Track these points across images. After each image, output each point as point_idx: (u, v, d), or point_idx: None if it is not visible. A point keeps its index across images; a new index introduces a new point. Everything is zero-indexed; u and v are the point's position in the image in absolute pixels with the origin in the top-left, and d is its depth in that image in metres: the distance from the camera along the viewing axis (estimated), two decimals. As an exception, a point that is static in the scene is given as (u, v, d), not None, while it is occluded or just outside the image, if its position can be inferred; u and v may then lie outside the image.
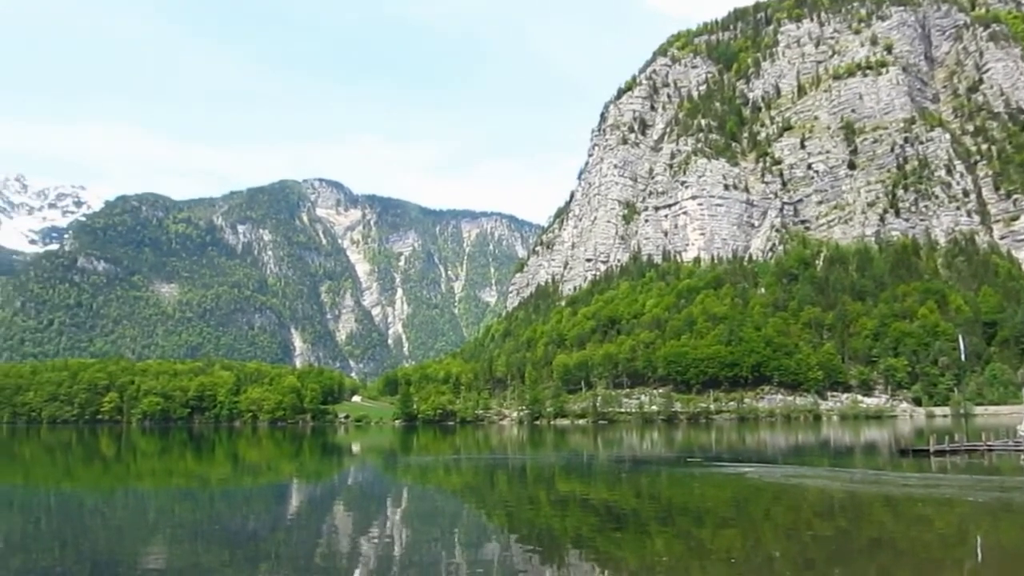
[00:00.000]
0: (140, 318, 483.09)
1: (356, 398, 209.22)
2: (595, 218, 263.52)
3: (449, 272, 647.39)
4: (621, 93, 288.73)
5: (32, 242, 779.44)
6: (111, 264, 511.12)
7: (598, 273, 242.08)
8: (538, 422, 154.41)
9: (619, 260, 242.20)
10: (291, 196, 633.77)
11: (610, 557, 19.03)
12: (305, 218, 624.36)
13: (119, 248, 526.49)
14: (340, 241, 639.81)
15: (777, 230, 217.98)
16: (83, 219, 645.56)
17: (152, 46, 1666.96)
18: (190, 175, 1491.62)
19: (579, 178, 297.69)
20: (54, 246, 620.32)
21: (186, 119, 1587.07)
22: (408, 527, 24.55)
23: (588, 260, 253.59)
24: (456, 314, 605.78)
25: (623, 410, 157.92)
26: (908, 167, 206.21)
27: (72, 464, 58.10)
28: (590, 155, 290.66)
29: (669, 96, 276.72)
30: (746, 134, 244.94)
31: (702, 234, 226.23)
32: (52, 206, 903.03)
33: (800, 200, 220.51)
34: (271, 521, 26.30)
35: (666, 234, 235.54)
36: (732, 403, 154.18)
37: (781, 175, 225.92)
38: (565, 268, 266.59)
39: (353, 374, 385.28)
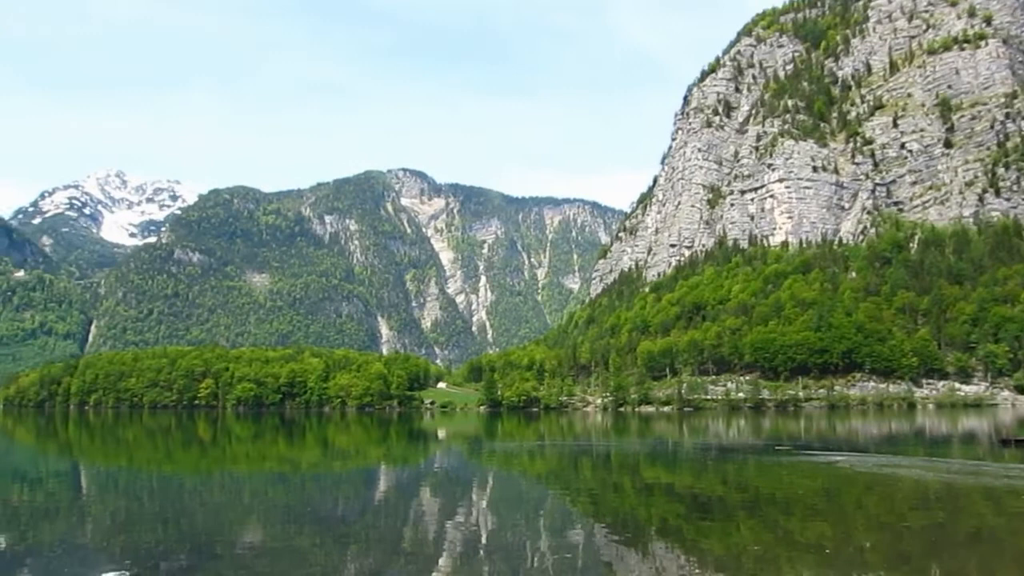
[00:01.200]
0: (233, 307, 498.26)
1: (441, 384, 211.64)
2: (679, 203, 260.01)
3: (532, 259, 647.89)
4: (705, 75, 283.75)
5: (132, 235, 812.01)
6: (205, 255, 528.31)
7: (682, 259, 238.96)
8: (622, 409, 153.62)
9: (704, 245, 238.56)
10: (376, 186, 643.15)
11: (696, 545, 18.86)
12: (390, 208, 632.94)
13: (212, 240, 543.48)
14: (424, 230, 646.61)
15: (868, 212, 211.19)
16: (178, 212, 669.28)
17: (239, 42, 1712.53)
18: (278, 168, 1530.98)
19: (662, 163, 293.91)
20: (152, 239, 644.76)
21: (274, 113, 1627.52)
22: (493, 512, 24.78)
23: (672, 246, 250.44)
24: (539, 301, 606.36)
25: (709, 397, 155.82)
26: (1009, 144, 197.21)
27: (172, 447, 60.38)
28: (673, 139, 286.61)
29: (754, 77, 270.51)
30: (835, 114, 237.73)
31: (790, 218, 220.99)
32: (150, 200, 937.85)
33: (893, 181, 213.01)
34: (360, 505, 26.89)
35: (752, 218, 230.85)
36: (822, 390, 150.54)
37: (873, 155, 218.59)
38: (649, 254, 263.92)
39: (438, 361, 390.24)
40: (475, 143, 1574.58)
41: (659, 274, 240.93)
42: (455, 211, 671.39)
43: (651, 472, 38.14)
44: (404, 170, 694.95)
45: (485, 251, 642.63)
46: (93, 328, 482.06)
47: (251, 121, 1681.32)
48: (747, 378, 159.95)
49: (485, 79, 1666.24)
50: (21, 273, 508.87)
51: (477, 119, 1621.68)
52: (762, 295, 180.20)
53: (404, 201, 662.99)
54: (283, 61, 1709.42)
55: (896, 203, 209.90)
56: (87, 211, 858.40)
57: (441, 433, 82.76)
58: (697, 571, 16.02)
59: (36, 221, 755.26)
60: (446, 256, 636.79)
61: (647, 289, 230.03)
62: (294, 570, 15.72)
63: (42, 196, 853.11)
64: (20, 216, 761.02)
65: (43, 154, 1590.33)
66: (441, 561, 17.21)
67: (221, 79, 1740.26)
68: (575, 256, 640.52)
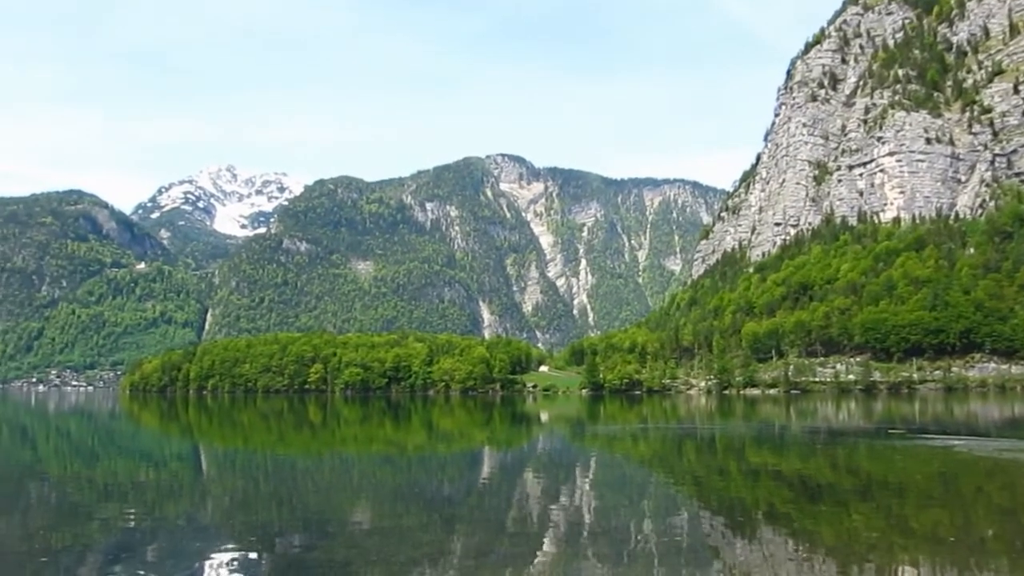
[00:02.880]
0: (339, 294, 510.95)
1: (543, 368, 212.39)
2: (783, 180, 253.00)
3: (632, 241, 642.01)
4: (809, 47, 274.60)
5: (243, 227, 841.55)
6: (312, 244, 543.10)
7: (788, 237, 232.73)
8: (727, 392, 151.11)
9: (810, 223, 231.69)
10: (475, 172, 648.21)
11: (805, 531, 18.46)
12: (489, 193, 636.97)
13: (319, 229, 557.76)
14: (524, 214, 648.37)
15: (987, 185, 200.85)
16: (286, 204, 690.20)
17: (340, 36, 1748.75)
18: (380, 157, 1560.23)
19: (765, 139, 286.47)
20: (262, 230, 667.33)
21: (374, 103, 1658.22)
22: (596, 495, 24.82)
23: (777, 224, 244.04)
24: (640, 283, 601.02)
25: (817, 379, 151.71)
26: None
27: (284, 430, 62.52)
28: (776, 115, 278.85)
29: (862, 47, 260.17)
30: (950, 82, 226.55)
31: (901, 192, 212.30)
32: (259, 193, 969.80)
33: (1014, 151, 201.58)
34: (464, 486, 27.34)
35: (861, 194, 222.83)
36: (937, 372, 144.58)
37: (991, 124, 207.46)
38: (752, 233, 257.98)
39: (539, 344, 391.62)
40: (573, 126, 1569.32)
41: (763, 254, 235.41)
42: (554, 195, 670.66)
43: (757, 456, 37.45)
44: (503, 155, 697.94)
45: (585, 234, 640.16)
46: (209, 316, 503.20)
47: (353, 112, 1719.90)
48: (857, 359, 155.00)
49: (581, 60, 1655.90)
50: (142, 265, 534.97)
51: (574, 101, 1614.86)
52: (872, 274, 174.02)
53: (503, 186, 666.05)
54: (381, 52, 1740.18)
55: (1017, 174, 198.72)
56: (201, 205, 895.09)
57: (543, 416, 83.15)
58: (806, 557, 15.71)
59: (155, 216, 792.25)
60: (546, 240, 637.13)
61: (751, 269, 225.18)
62: (402, 549, 16.12)
63: (159, 191, 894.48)
64: (140, 211, 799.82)
65: (160, 151, 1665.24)
66: (545, 542, 17.36)
67: (323, 73, 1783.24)
68: (676, 237, 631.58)
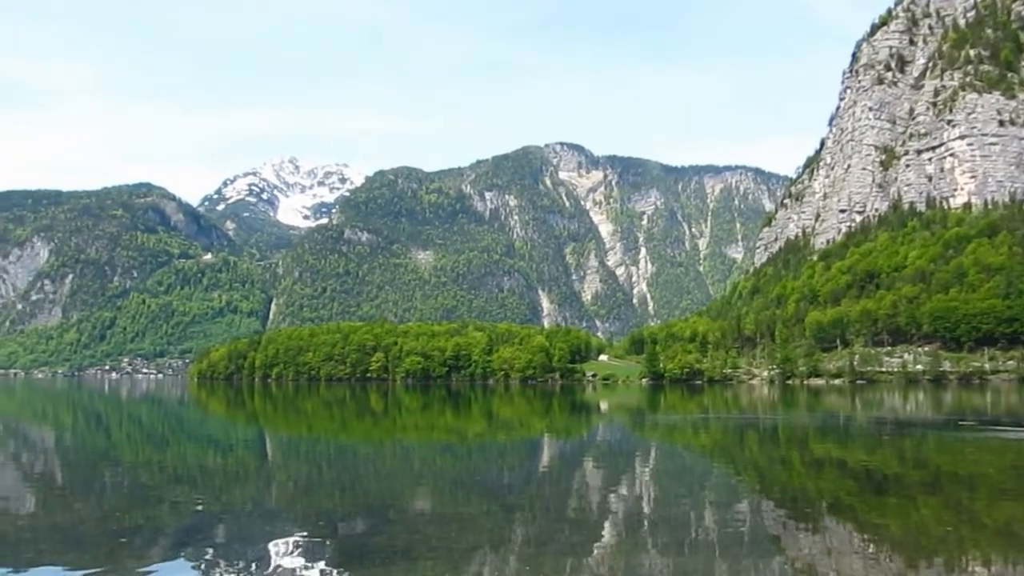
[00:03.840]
0: (400, 283, 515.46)
1: (603, 357, 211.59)
2: (849, 166, 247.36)
3: (693, 229, 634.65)
4: (875, 29, 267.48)
5: (305, 217, 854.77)
6: (373, 234, 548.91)
7: (853, 224, 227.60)
8: (790, 382, 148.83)
9: (876, 209, 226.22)
10: (534, 161, 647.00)
11: (870, 523, 18.11)
12: (548, 182, 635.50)
13: (379, 219, 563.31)
14: (583, 203, 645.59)
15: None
16: (347, 194, 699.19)
17: (395, 26, 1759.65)
18: (439, 147, 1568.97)
19: (830, 124, 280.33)
20: (323, 220, 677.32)
21: (432, 94, 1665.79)
22: (657, 484, 24.69)
23: (842, 211, 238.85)
24: (701, 272, 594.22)
25: (883, 369, 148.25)
26: None
27: (347, 418, 63.49)
28: (841, 99, 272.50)
29: (931, 27, 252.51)
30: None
31: (973, 177, 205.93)
32: (320, 184, 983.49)
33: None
34: (524, 475, 27.44)
35: (930, 179, 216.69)
36: (1011, 362, 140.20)
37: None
38: (817, 220, 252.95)
39: (599, 333, 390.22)
40: (632, 113, 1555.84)
41: (828, 241, 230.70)
42: (613, 183, 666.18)
43: (821, 446, 36.84)
44: (561, 144, 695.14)
45: (644, 222, 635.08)
46: (273, 306, 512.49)
47: (412, 102, 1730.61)
48: (926, 349, 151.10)
49: (640, 47, 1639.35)
50: (209, 256, 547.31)
51: (633, 89, 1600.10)
52: (942, 261, 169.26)
53: (562, 175, 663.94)
54: (440, 41, 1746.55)
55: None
56: (264, 196, 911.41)
57: (603, 405, 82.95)
58: (872, 550, 15.42)
59: (220, 207, 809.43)
60: (605, 228, 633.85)
61: (815, 257, 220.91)
62: (463, 536, 16.27)
63: (225, 184, 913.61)
64: (206, 203, 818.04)
65: (225, 144, 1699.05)
66: (605, 531, 17.35)
67: (383, 63, 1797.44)
68: (738, 225, 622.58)
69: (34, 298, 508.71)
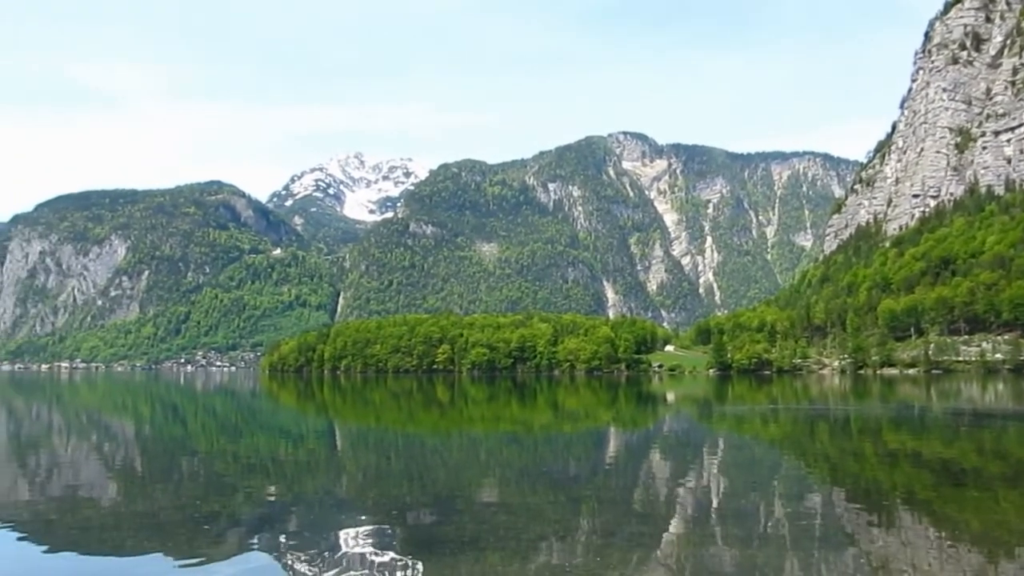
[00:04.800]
0: (465, 276, 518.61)
1: (668, 348, 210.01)
2: (922, 149, 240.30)
3: (760, 217, 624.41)
4: (949, 7, 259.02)
5: (371, 212, 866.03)
6: (438, 227, 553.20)
7: (927, 209, 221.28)
8: (861, 371, 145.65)
9: (952, 194, 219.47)
10: (597, 151, 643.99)
11: (947, 517, 17.62)
12: (612, 172, 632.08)
13: (444, 212, 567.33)
14: (647, 192, 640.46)
15: None
16: (412, 188, 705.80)
17: (455, 22, 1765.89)
18: (502, 139, 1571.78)
19: (901, 107, 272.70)
20: (389, 214, 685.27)
21: (493, 86, 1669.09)
22: (725, 476, 24.42)
23: (915, 196, 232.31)
24: (769, 260, 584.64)
25: (960, 359, 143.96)
26: None
27: (414, 409, 64.18)
28: (913, 80, 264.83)
29: (1008, 3, 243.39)
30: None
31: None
32: (385, 178, 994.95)
33: None
34: (590, 466, 27.40)
35: (1009, 161, 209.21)
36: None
37: None
38: (888, 206, 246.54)
39: (664, 324, 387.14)
40: (696, 101, 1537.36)
41: (901, 227, 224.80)
42: (678, 171, 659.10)
43: (895, 438, 35.96)
44: (624, 133, 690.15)
45: (710, 211, 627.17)
46: (341, 299, 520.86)
47: (474, 95, 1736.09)
48: (1006, 337, 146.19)
49: (702, 33, 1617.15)
50: (278, 251, 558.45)
51: (697, 75, 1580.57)
52: (1023, 246, 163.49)
53: (625, 164, 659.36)
54: (501, 33, 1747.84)
55: None
56: (331, 191, 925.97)
57: (670, 396, 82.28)
58: (950, 546, 15.00)
59: (288, 203, 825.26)
60: (670, 218, 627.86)
61: (887, 244, 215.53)
62: (530, 526, 16.33)
63: (292, 180, 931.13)
64: (275, 199, 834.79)
65: (292, 141, 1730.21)
66: (672, 523, 17.24)
67: (445, 57, 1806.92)
68: (806, 212, 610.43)
69: (113, 294, 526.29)
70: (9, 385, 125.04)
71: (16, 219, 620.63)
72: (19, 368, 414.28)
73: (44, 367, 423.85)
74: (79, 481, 23.52)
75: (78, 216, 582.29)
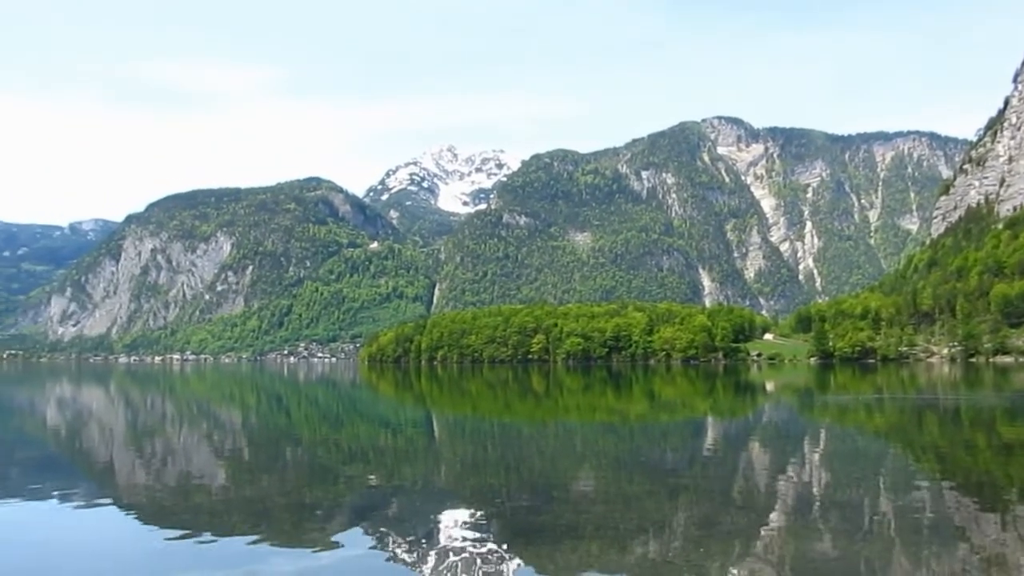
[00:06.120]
0: (559, 266, 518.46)
1: (767, 336, 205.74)
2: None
3: (862, 200, 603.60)
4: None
5: (464, 204, 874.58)
6: (531, 218, 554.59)
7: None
8: (973, 360, 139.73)
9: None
10: (691, 137, 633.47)
11: (1068, 511, 16.79)
12: (706, 158, 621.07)
13: (536, 203, 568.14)
14: (743, 178, 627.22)
15: None
16: (504, 179, 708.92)
17: (543, 11, 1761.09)
18: (593, 128, 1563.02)
19: (1015, 81, 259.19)
20: (482, 206, 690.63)
21: (583, 75, 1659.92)
22: (827, 467, 23.82)
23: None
24: (872, 245, 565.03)
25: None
26: None
27: (509, 399, 64.63)
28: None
29: None
30: None
31: None
32: (478, 170, 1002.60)
33: None
34: (688, 455, 27.11)
35: None
36: None
37: None
38: (1001, 186, 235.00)
39: (763, 312, 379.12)
40: (791, 82, 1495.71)
41: (1015, 208, 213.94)
42: (775, 156, 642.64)
43: (1010, 429, 34.38)
44: (719, 118, 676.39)
45: (809, 195, 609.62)
46: (436, 291, 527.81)
47: (564, 85, 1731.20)
48: None
49: (793, 13, 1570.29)
50: (375, 245, 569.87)
51: (793, 55, 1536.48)
52: None
53: (720, 150, 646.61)
54: (590, 20, 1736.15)
55: None
56: (425, 185, 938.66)
57: (769, 385, 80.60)
58: (1070, 540, 14.29)
59: (384, 198, 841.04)
60: (767, 203, 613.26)
61: (1000, 225, 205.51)
62: (628, 516, 16.29)
63: (387, 174, 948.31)
64: (371, 194, 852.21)
65: (386, 136, 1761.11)
66: (773, 515, 16.94)
67: (534, 47, 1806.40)
68: (912, 194, 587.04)
69: (219, 289, 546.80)
70: (127, 377, 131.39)
71: (129, 219, 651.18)
72: (135, 360, 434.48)
73: (157, 359, 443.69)
74: (191, 468, 24.62)
75: (186, 215, 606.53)
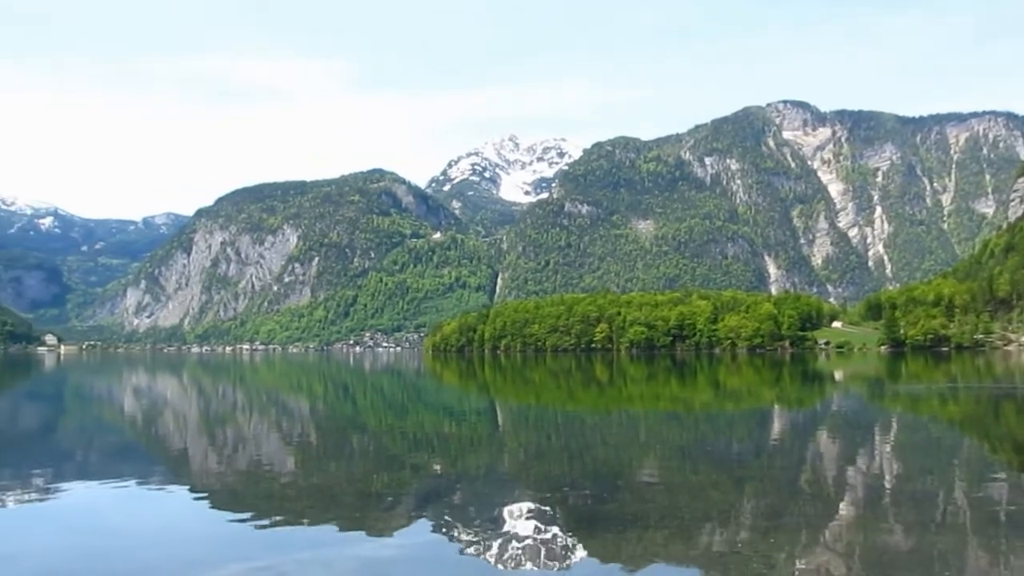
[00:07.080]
0: (621, 254, 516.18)
1: (836, 324, 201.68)
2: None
3: (935, 184, 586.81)
4: None
5: (526, 193, 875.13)
6: (593, 206, 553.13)
7: None
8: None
9: None
10: (755, 122, 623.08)
11: None
12: (771, 143, 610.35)
13: (598, 191, 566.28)
14: (809, 162, 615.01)
15: None
16: (566, 168, 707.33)
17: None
18: (656, 115, 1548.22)
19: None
20: (544, 195, 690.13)
21: (644, 61, 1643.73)
22: (898, 458, 23.27)
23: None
24: (945, 230, 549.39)
25: None
26: None
27: (573, 387, 64.55)
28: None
29: None
30: None
31: None
32: (540, 159, 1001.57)
33: None
34: (754, 445, 26.76)
35: None
36: None
37: None
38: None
39: (831, 299, 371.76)
40: (858, 64, 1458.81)
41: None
42: (842, 139, 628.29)
43: (1094, 419, 33.13)
44: (784, 102, 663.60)
45: (879, 179, 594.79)
46: (499, 280, 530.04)
47: (625, 71, 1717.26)
48: None
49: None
50: (438, 235, 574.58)
51: (861, 36, 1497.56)
52: None
53: (786, 134, 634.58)
54: (648, 7, 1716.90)
55: None
56: (487, 175, 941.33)
57: (838, 374, 79.01)
58: None
59: (446, 188, 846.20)
60: (835, 188, 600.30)
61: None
62: (693, 505, 16.17)
63: (449, 165, 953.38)
64: (433, 185, 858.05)
65: (448, 127, 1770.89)
66: (842, 506, 16.62)
67: (594, 34, 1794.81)
68: (987, 176, 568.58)
69: (287, 280, 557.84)
70: (198, 366, 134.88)
71: (199, 213, 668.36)
72: (206, 350, 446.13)
73: (228, 349, 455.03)
74: (260, 454, 25.19)
75: (254, 208, 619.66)
